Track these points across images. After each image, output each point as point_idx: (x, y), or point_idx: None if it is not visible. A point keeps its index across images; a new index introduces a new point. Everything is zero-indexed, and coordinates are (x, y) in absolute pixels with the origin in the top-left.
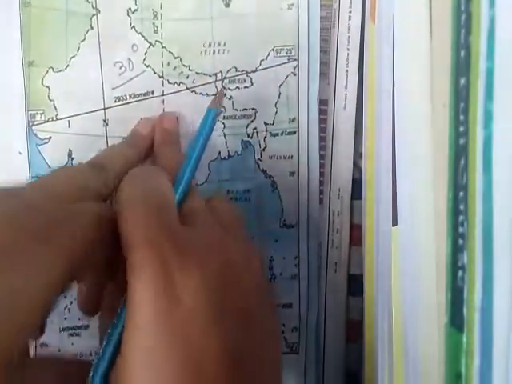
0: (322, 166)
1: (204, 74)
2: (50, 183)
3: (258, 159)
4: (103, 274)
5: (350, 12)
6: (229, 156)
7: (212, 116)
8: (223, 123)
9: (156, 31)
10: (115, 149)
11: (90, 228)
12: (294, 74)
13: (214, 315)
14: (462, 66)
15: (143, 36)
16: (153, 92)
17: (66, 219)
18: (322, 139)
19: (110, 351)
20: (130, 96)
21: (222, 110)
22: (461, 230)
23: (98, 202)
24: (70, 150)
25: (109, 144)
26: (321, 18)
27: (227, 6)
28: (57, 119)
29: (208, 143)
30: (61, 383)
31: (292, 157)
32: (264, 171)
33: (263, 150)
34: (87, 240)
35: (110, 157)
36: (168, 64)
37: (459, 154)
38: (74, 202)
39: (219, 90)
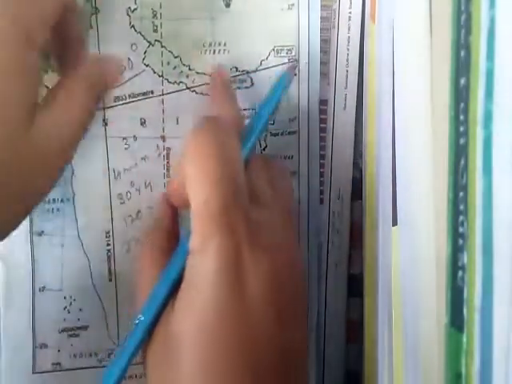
0: (321, 165)
1: (204, 74)
2: None
3: None
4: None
5: (350, 12)
6: None
7: (287, 80)
8: None
9: (156, 30)
10: None
11: None
12: (295, 74)
13: (274, 308)
14: (462, 66)
15: (143, 35)
16: (152, 91)
17: None
18: (321, 139)
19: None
20: (130, 95)
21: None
22: (461, 230)
23: None
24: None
25: (108, 145)
26: (321, 18)
27: (227, 5)
28: None
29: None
30: None
31: (292, 157)
32: None
33: (263, 149)
34: None
35: None
36: (168, 63)
37: (459, 154)
38: None
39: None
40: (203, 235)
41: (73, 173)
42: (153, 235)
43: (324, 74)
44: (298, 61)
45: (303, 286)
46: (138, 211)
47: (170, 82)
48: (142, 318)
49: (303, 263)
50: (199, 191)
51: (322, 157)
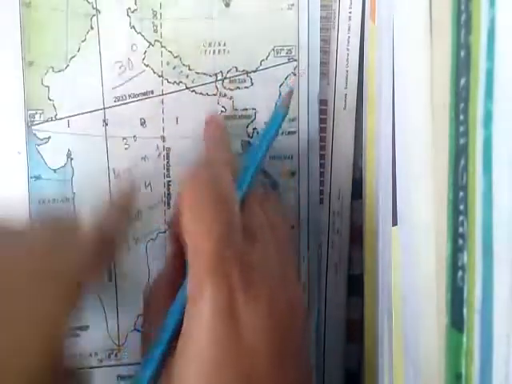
0: (321, 165)
1: (204, 74)
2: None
3: None
4: None
5: (350, 12)
6: None
7: (280, 118)
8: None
9: (155, 31)
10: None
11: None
12: (294, 74)
13: (272, 352)
14: (462, 66)
15: (143, 35)
16: (152, 92)
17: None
18: (321, 139)
19: (158, 353)
20: (130, 96)
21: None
22: (461, 230)
23: None
24: (69, 150)
25: (108, 145)
26: (321, 18)
27: (227, 5)
28: (56, 119)
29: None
30: None
31: (292, 157)
32: (264, 171)
33: None
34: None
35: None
36: (167, 63)
37: (459, 154)
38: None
39: (288, 90)
40: (198, 283)
41: (73, 173)
42: (165, 269)
43: (324, 74)
44: (298, 61)
45: (303, 325)
46: (138, 211)
47: (169, 82)
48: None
49: (303, 299)
50: (193, 237)
51: (322, 157)
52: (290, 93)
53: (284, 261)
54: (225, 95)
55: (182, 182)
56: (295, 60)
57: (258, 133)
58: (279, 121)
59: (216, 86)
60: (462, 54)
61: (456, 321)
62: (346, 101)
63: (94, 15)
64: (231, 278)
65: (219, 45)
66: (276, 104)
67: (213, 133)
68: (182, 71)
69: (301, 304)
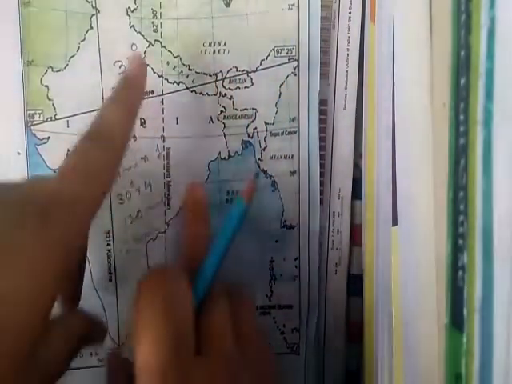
0: (321, 166)
1: (204, 74)
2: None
3: (259, 159)
4: None
5: (350, 12)
6: (229, 156)
7: (240, 211)
8: (223, 123)
9: (155, 30)
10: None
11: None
12: (295, 74)
13: None
14: (462, 66)
15: (142, 35)
16: (152, 91)
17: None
18: (321, 139)
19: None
20: None
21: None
22: (461, 230)
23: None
24: (68, 150)
25: None
26: (321, 18)
27: (227, 5)
28: (55, 119)
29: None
30: None
31: (292, 157)
32: (264, 171)
33: (263, 149)
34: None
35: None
36: (167, 63)
37: (459, 154)
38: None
39: (250, 181)
40: None
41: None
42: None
43: (324, 74)
44: (298, 61)
45: None
46: (138, 211)
47: (169, 82)
48: None
49: None
50: (140, 353)
51: (322, 157)
52: (253, 184)
53: (241, 368)
54: (225, 95)
55: (135, 292)
56: (295, 60)
57: (257, 133)
58: (240, 214)
59: (216, 86)
60: (462, 53)
61: (456, 321)
62: (345, 101)
63: (93, 15)
64: None
65: (219, 45)
66: (237, 197)
67: (193, 206)
68: (182, 71)
69: None
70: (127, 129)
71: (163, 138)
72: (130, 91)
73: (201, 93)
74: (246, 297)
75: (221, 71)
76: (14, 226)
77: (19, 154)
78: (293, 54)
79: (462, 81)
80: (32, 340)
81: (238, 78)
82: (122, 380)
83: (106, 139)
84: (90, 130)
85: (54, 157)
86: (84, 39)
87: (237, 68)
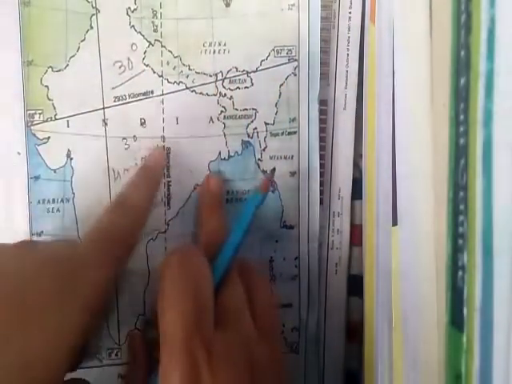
0: (321, 166)
1: (204, 74)
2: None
3: (259, 159)
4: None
5: (350, 12)
6: (229, 156)
7: (257, 203)
8: (223, 123)
9: (155, 30)
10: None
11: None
12: (295, 75)
13: None
14: (462, 66)
15: (142, 35)
16: (152, 91)
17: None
18: (321, 139)
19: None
20: (130, 95)
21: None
22: (461, 230)
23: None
24: (68, 150)
25: (108, 145)
26: (321, 18)
27: (228, 5)
28: (56, 119)
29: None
30: None
31: (292, 157)
32: (264, 171)
33: (263, 150)
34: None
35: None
36: (167, 63)
37: (459, 154)
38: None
39: (268, 174)
40: (167, 367)
41: (73, 173)
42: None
43: (324, 74)
44: (298, 61)
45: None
46: None
47: (169, 82)
48: None
49: (280, 374)
50: (164, 325)
51: (322, 157)
52: (271, 176)
53: (259, 341)
54: (225, 95)
55: (160, 269)
56: (295, 60)
57: (257, 133)
58: (257, 205)
59: (216, 86)
60: (462, 53)
61: (456, 320)
62: (345, 101)
63: (93, 14)
64: (198, 368)
65: (219, 45)
66: (254, 191)
67: (208, 198)
68: (182, 71)
69: (272, 368)
70: (148, 205)
71: (163, 138)
72: (150, 180)
73: (201, 93)
74: (262, 273)
75: (221, 71)
76: (45, 286)
77: (19, 153)
78: (293, 54)
79: (462, 81)
80: None
81: (238, 78)
82: (143, 358)
83: (129, 208)
84: (114, 205)
85: (54, 157)
86: (84, 39)
87: (237, 68)
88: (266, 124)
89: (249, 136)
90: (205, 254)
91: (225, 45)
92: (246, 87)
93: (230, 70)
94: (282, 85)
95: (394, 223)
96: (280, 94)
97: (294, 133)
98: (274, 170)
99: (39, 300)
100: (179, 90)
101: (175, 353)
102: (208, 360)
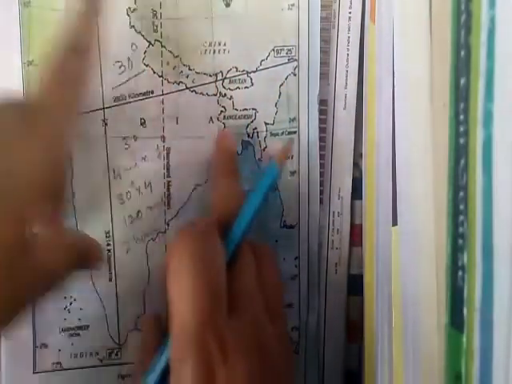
0: (321, 165)
1: (204, 74)
2: None
3: (259, 159)
4: None
5: (350, 12)
6: None
7: (273, 174)
8: (223, 123)
9: (155, 30)
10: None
11: None
12: (294, 74)
13: None
14: (462, 66)
15: (142, 35)
16: (152, 91)
17: None
18: (321, 139)
19: (161, 365)
20: (130, 95)
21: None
22: (461, 230)
23: None
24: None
25: (108, 145)
26: (321, 18)
27: (227, 5)
28: None
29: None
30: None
31: (292, 157)
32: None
33: (263, 149)
34: None
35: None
36: (167, 63)
37: (459, 154)
38: None
39: (287, 144)
40: (179, 349)
41: (73, 173)
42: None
43: (324, 74)
44: (298, 61)
45: (290, 369)
46: (138, 211)
47: (169, 82)
48: None
49: (284, 368)
50: (177, 308)
51: (322, 157)
52: (288, 150)
53: (269, 323)
54: (225, 95)
55: (169, 250)
56: (295, 60)
57: (257, 133)
58: (273, 177)
59: (216, 86)
60: (462, 53)
61: (456, 321)
62: (345, 101)
63: None
64: (210, 352)
65: (219, 45)
66: (270, 161)
67: (221, 159)
68: (182, 71)
69: (280, 374)
70: (95, 40)
71: (163, 138)
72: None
73: (201, 93)
74: (271, 255)
75: (221, 71)
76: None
77: None
78: (293, 54)
79: (462, 81)
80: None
81: (238, 78)
82: (155, 340)
83: (81, 51)
84: (65, 41)
85: None
86: None
87: (237, 68)
88: (266, 124)
89: (249, 136)
90: (218, 222)
91: (225, 45)
92: (245, 87)
93: (230, 69)
94: (281, 85)
95: (394, 223)
96: (280, 93)
97: (294, 133)
98: (291, 141)
99: (6, 141)
100: (179, 90)
101: (187, 341)
102: (221, 349)
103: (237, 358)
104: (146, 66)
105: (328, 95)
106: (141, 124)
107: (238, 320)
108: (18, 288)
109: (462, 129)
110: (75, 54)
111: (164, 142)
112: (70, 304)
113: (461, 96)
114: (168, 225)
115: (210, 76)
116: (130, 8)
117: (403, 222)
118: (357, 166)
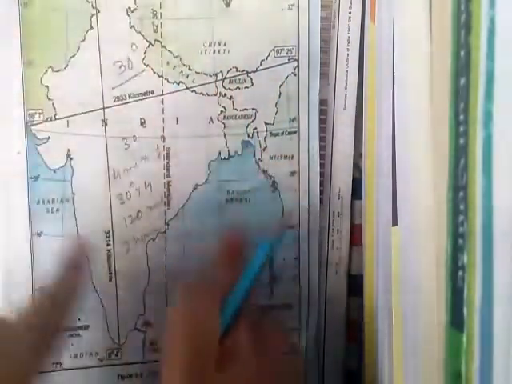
0: (321, 166)
1: (204, 74)
2: None
3: (259, 159)
4: None
5: (350, 12)
6: (229, 156)
7: (267, 251)
8: (223, 123)
9: (155, 30)
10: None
11: None
12: (294, 74)
13: None
14: (462, 66)
15: (142, 35)
16: (152, 91)
17: None
18: (321, 139)
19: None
20: (130, 95)
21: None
22: (461, 229)
23: None
24: (68, 149)
25: (108, 144)
26: (321, 18)
27: (228, 5)
28: (55, 119)
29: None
30: None
31: (292, 157)
32: (264, 171)
33: (263, 149)
34: None
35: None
36: (167, 63)
37: (459, 154)
38: None
39: (283, 219)
40: None
41: (73, 173)
42: None
43: (324, 74)
44: (298, 61)
45: None
46: (138, 211)
47: (169, 82)
48: None
49: None
50: (167, 376)
51: (322, 157)
52: (284, 222)
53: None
54: (225, 95)
55: (169, 313)
56: (295, 60)
57: (257, 133)
58: (263, 259)
59: (216, 86)
60: (462, 53)
61: (456, 320)
62: (345, 101)
63: (93, 14)
64: None
65: (219, 45)
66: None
67: (228, 252)
68: (182, 71)
69: None
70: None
71: (163, 138)
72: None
73: (201, 93)
74: (274, 323)
75: (221, 71)
76: None
77: (19, 153)
78: (293, 54)
79: (462, 81)
80: None
81: (237, 78)
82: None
83: (56, 299)
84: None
85: (54, 157)
86: (84, 39)
87: (237, 68)
88: (266, 124)
89: (249, 136)
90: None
91: (225, 45)
92: (245, 87)
93: (230, 69)
94: (281, 85)
95: (394, 223)
96: (280, 93)
97: (294, 133)
98: (289, 214)
99: None
100: (179, 90)
101: None
102: None
103: None
104: (146, 65)
105: (328, 95)
106: (141, 124)
107: (224, 375)
108: None
109: (461, 129)
110: (52, 301)
111: (164, 142)
112: None
113: (461, 96)
114: (168, 225)
115: (210, 76)
116: (129, 8)
117: (403, 222)
118: (357, 166)
